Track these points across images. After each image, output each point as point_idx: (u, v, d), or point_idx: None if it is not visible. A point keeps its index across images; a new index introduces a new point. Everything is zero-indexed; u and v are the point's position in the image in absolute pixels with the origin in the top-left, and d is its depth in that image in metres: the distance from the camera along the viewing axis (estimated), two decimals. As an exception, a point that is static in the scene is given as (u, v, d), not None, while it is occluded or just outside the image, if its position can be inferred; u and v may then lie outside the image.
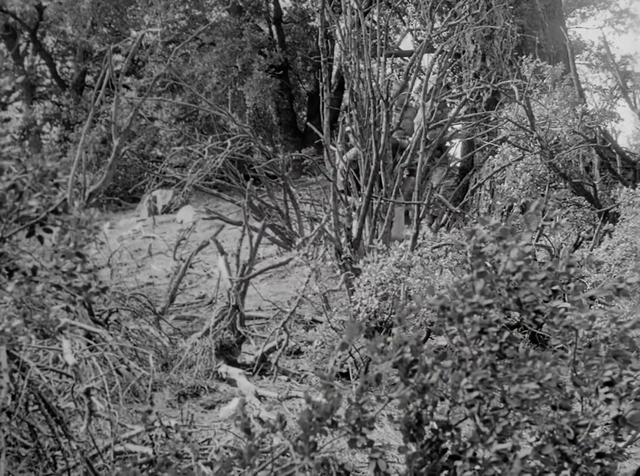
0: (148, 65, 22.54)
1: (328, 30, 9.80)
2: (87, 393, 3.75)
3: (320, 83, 8.45)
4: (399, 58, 23.80)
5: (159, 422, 3.64)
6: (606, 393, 2.69)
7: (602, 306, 6.24)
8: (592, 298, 2.76)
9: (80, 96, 26.30)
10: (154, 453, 3.62)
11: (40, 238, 3.10)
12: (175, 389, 6.61)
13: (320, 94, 8.47)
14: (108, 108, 19.56)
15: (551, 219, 2.93)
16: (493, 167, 10.96)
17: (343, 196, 8.67)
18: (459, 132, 12.82)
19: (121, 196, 21.39)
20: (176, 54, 19.99)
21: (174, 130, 20.17)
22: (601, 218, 9.98)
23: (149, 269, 12.46)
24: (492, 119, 11.41)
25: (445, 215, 10.81)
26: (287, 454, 2.60)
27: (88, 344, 5.50)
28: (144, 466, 3.60)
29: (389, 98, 8.63)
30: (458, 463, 2.65)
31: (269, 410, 6.21)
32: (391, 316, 7.07)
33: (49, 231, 3.10)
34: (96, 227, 3.21)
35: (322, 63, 8.62)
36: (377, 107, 8.48)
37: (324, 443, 2.60)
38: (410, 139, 10.59)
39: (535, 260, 8.16)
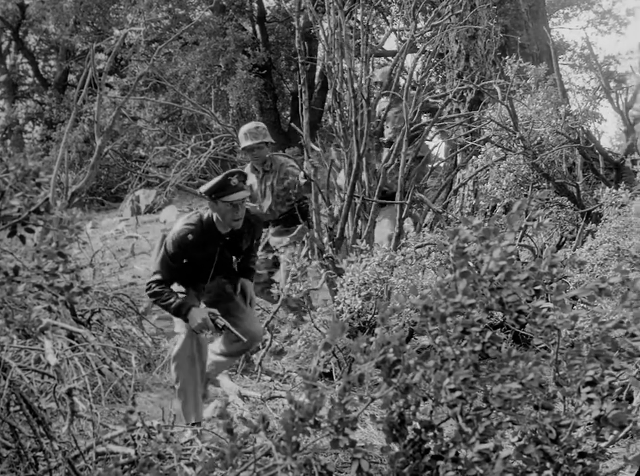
0: (131, 64, 22.46)
1: (311, 30, 9.80)
2: (69, 393, 3.73)
3: (299, 84, 8.44)
4: (382, 58, 23.83)
5: (141, 423, 3.63)
6: (588, 392, 2.70)
7: (585, 306, 6.26)
8: (574, 298, 2.77)
9: (62, 95, 26.23)
10: (136, 453, 3.60)
11: (22, 238, 3.09)
12: (158, 389, 6.60)
13: (299, 95, 8.45)
14: (91, 107, 19.52)
15: (534, 219, 2.93)
16: (476, 167, 10.97)
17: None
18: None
19: (104, 195, 21.36)
20: (159, 53, 19.98)
21: (157, 130, 20.14)
22: (584, 218, 10.01)
23: (131, 269, 12.43)
24: (475, 119, 11.42)
25: (428, 215, 10.82)
26: (270, 454, 2.60)
27: (71, 344, 5.47)
28: (126, 467, 3.58)
29: (371, 98, 8.63)
30: (440, 463, 2.65)
31: (252, 410, 6.20)
32: (374, 316, 7.07)
33: (31, 231, 3.08)
34: (78, 226, 3.19)
35: (300, 64, 8.61)
36: (359, 106, 8.47)
37: (307, 444, 2.60)
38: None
39: (518, 260, 8.18)
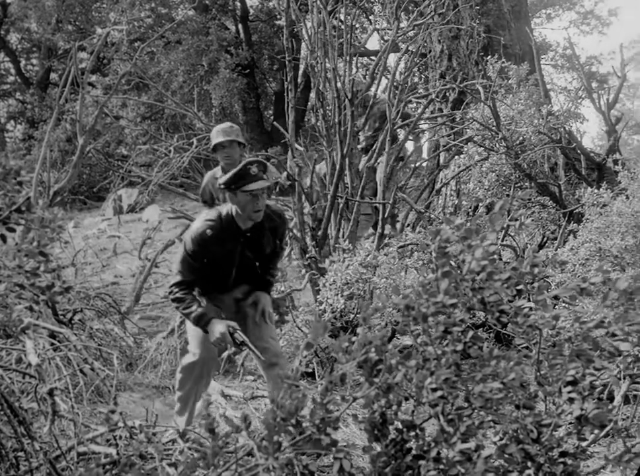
0: (113, 63, 22.41)
1: (295, 29, 9.79)
2: (50, 393, 3.71)
3: (286, 82, 8.43)
4: (365, 57, 23.86)
5: (122, 423, 3.62)
6: (569, 392, 2.70)
7: (566, 306, 6.28)
8: (556, 297, 2.78)
9: (44, 94, 26.11)
10: (118, 453, 3.59)
11: (3, 237, 3.07)
12: (140, 388, 6.59)
13: (285, 94, 8.45)
14: (73, 106, 19.43)
15: (516, 219, 2.94)
16: (459, 167, 10.99)
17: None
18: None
19: (86, 194, 21.28)
20: (142, 52, 19.95)
21: (140, 129, 20.10)
22: (566, 218, 10.04)
23: (114, 268, 12.40)
24: (458, 119, 11.44)
25: (410, 215, 10.83)
26: (252, 454, 2.59)
27: (52, 344, 5.46)
28: (107, 467, 3.57)
29: (354, 98, 8.63)
30: (422, 462, 2.65)
31: (235, 410, 6.20)
32: (357, 316, 7.08)
33: (12, 230, 3.07)
34: (60, 226, 3.19)
35: (287, 63, 8.61)
36: (342, 106, 8.48)
37: (289, 443, 2.59)
38: None
39: (501, 259, 8.20)
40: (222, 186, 5.12)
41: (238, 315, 5.60)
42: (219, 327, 5.07)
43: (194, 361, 5.53)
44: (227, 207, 5.27)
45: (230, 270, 5.38)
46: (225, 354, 5.48)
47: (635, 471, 2.87)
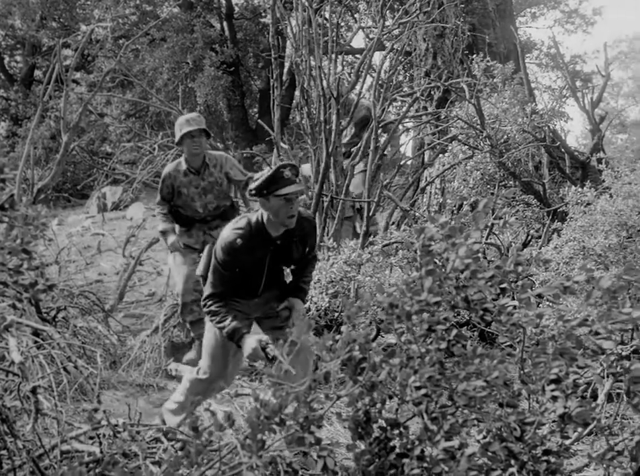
0: (98, 60, 22.37)
1: (280, 27, 9.79)
2: (34, 391, 3.70)
3: (272, 80, 8.42)
4: (350, 56, 23.87)
5: (106, 421, 3.60)
6: (553, 390, 2.71)
7: (550, 304, 6.29)
8: (540, 296, 2.78)
9: (28, 91, 26.05)
10: (101, 452, 3.58)
11: (-15, 235, 3.06)
12: (124, 387, 6.58)
13: (271, 92, 8.43)
14: (57, 103, 19.38)
15: (500, 218, 2.94)
16: (444, 165, 11.02)
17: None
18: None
19: (70, 192, 21.21)
20: (127, 49, 19.88)
21: (124, 126, 20.07)
22: (550, 217, 10.07)
23: (98, 266, 12.36)
24: (442, 117, 11.46)
25: (395, 213, 10.83)
26: (236, 452, 2.59)
27: (36, 342, 5.44)
28: (91, 465, 3.56)
29: (340, 96, 8.63)
30: (406, 460, 2.65)
31: (219, 404, 6.19)
32: (341, 314, 7.07)
33: (-6, 228, 3.06)
34: (43, 223, 3.17)
35: (273, 60, 8.60)
36: (327, 104, 8.47)
37: (273, 441, 2.59)
38: None
39: (485, 258, 8.22)
40: (253, 193, 4.96)
41: (266, 321, 5.58)
42: (251, 343, 4.92)
43: (203, 379, 5.43)
44: (256, 215, 5.11)
45: (260, 278, 5.25)
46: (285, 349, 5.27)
47: (618, 469, 2.88)
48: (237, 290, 5.27)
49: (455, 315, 3.34)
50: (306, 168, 9.33)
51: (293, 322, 5.35)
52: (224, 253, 5.02)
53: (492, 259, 8.66)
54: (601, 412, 5.31)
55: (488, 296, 2.75)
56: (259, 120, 10.41)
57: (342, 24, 22.61)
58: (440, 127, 11.65)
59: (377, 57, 12.29)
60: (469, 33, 14.73)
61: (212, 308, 5.10)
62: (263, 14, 25.41)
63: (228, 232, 5.08)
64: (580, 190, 8.37)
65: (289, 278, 5.45)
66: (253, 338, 4.92)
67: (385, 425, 2.76)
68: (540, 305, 6.36)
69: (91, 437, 3.93)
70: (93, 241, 14.35)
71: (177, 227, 7.75)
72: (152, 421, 5.46)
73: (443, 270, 2.78)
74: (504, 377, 2.64)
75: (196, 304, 7.35)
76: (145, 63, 21.92)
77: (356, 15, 24.15)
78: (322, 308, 6.98)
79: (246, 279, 5.22)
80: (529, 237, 10.16)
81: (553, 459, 2.68)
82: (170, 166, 7.66)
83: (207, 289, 5.19)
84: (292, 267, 5.42)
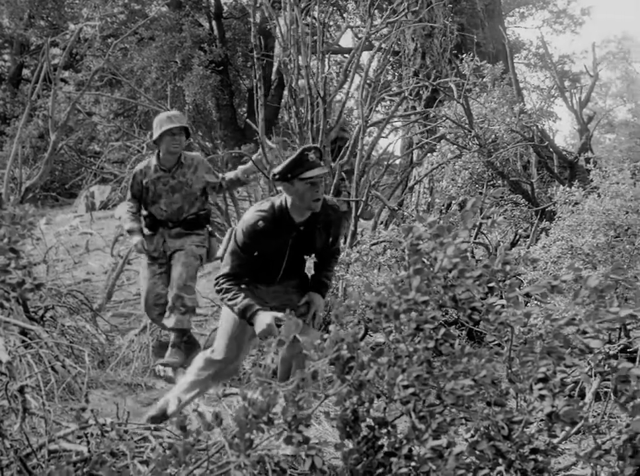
0: (86, 59, 22.33)
1: (268, 27, 9.78)
2: (21, 390, 3.69)
3: (254, 80, 8.41)
4: (338, 55, 23.87)
5: (94, 420, 3.60)
6: (540, 389, 2.71)
7: (538, 303, 6.31)
8: (527, 295, 2.78)
9: (16, 90, 26.00)
10: (89, 451, 3.58)
11: (-27, 234, 3.05)
12: (112, 386, 6.56)
13: (254, 91, 8.42)
14: (45, 102, 19.38)
15: (488, 217, 2.95)
16: (432, 165, 11.03)
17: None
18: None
19: (58, 191, 21.16)
20: (115, 48, 19.87)
21: (113, 125, 20.02)
22: (538, 216, 10.10)
23: (86, 265, 12.34)
24: (431, 117, 11.48)
25: (384, 212, 10.85)
26: (224, 451, 2.59)
27: (23, 341, 5.43)
28: (79, 464, 3.55)
29: (327, 95, 8.63)
30: (394, 459, 2.66)
31: (207, 405, 6.19)
32: (330, 313, 7.07)
33: (-18, 227, 3.05)
34: (31, 222, 3.17)
35: (255, 60, 8.59)
36: (315, 103, 8.47)
37: (261, 440, 2.59)
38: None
39: (473, 257, 8.24)
40: (276, 177, 4.86)
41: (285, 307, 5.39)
42: (265, 319, 4.80)
43: (216, 359, 5.34)
44: (280, 198, 5.00)
45: (280, 264, 5.15)
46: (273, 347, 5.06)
47: (606, 468, 2.88)
48: (256, 274, 5.15)
49: (444, 314, 3.36)
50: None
51: (312, 317, 5.27)
52: (244, 235, 4.93)
53: (480, 258, 8.67)
54: (589, 411, 5.33)
55: (476, 295, 2.76)
56: (247, 119, 10.41)
57: (331, 23, 22.65)
58: (429, 127, 11.67)
59: (365, 56, 12.30)
60: (457, 33, 14.74)
61: (224, 286, 4.98)
62: (251, 13, 25.39)
63: (250, 214, 4.98)
64: (568, 189, 8.37)
65: (310, 272, 5.35)
66: (267, 314, 4.80)
67: (373, 424, 2.76)
68: (528, 304, 6.38)
69: (79, 437, 3.92)
70: (81, 240, 14.32)
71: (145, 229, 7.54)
72: (140, 420, 5.45)
73: (431, 269, 2.78)
74: (492, 376, 2.65)
75: (161, 317, 7.27)
76: (133, 62, 21.87)
77: (344, 14, 24.15)
78: (311, 307, 6.97)
79: (266, 264, 5.12)
80: (518, 236, 10.18)
81: (540, 458, 2.68)
82: (142, 163, 7.50)
83: (222, 269, 5.07)
84: (314, 258, 5.27)
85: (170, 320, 7.17)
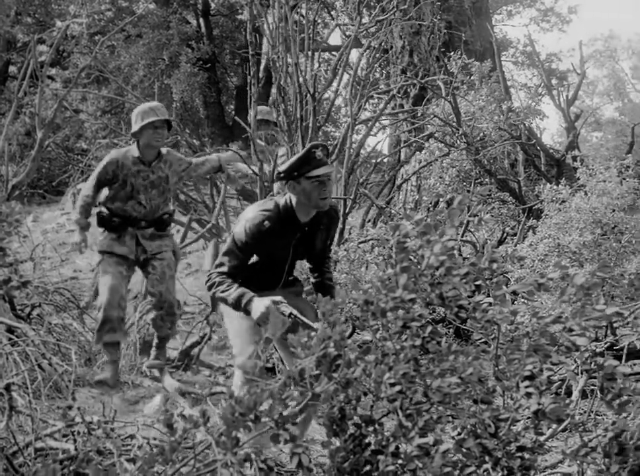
0: (73, 56, 22.29)
1: (257, 24, 9.77)
2: (8, 388, 3.68)
3: (249, 77, 8.39)
4: (326, 53, 23.88)
5: (80, 418, 3.59)
6: (527, 387, 2.72)
7: (525, 301, 6.32)
8: (514, 293, 2.79)
9: (3, 87, 25.88)
10: (76, 449, 3.57)
11: (-41, 232, 3.04)
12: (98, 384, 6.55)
13: (248, 88, 8.39)
14: (32, 100, 19.24)
15: (476, 215, 2.94)
16: (420, 163, 11.04)
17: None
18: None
19: (45, 188, 21.08)
20: (102, 46, 19.80)
21: (100, 123, 19.98)
22: (525, 214, 10.12)
23: (73, 263, 12.31)
24: (419, 115, 11.49)
25: (371, 210, 10.85)
26: (210, 450, 2.58)
27: (10, 339, 5.41)
28: (65, 463, 3.55)
29: (317, 93, 8.63)
30: (381, 457, 2.66)
31: (193, 406, 6.18)
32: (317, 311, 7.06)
33: (-32, 224, 3.04)
34: (17, 220, 3.16)
35: (250, 57, 8.57)
36: (304, 101, 8.47)
37: (248, 438, 2.59)
38: None
39: (460, 255, 8.25)
40: (282, 175, 4.71)
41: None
42: (262, 302, 4.60)
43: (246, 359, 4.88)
44: (284, 198, 4.84)
45: (283, 266, 5.03)
46: (278, 333, 4.79)
47: (592, 465, 2.89)
48: (259, 278, 4.97)
49: (431, 311, 3.36)
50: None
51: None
52: (248, 235, 4.73)
53: (468, 256, 8.69)
54: (575, 409, 5.34)
55: (463, 293, 2.76)
56: (235, 117, 10.39)
57: (319, 21, 22.63)
58: (416, 125, 11.68)
59: (353, 54, 12.32)
60: (445, 30, 14.77)
61: (216, 279, 4.77)
62: (239, 11, 25.37)
63: (254, 213, 4.79)
64: (555, 187, 8.40)
65: (301, 276, 5.23)
66: (265, 299, 4.60)
67: (360, 422, 2.76)
68: (515, 302, 6.39)
69: (65, 435, 3.91)
70: (68, 238, 14.25)
71: (103, 232, 7.14)
72: (127, 418, 5.44)
73: (418, 267, 2.78)
74: (479, 374, 2.65)
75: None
76: (120, 59, 21.85)
77: (332, 12, 24.14)
78: (298, 305, 6.97)
79: (270, 267, 4.99)
80: (505, 234, 10.20)
81: (527, 456, 2.69)
82: (119, 152, 6.99)
83: (214, 267, 4.87)
84: (311, 260, 5.23)
85: (161, 330, 7.09)
